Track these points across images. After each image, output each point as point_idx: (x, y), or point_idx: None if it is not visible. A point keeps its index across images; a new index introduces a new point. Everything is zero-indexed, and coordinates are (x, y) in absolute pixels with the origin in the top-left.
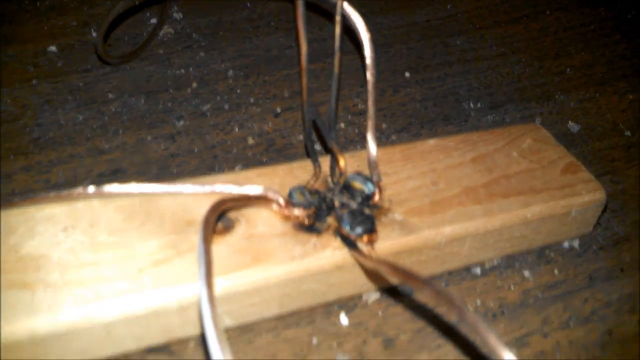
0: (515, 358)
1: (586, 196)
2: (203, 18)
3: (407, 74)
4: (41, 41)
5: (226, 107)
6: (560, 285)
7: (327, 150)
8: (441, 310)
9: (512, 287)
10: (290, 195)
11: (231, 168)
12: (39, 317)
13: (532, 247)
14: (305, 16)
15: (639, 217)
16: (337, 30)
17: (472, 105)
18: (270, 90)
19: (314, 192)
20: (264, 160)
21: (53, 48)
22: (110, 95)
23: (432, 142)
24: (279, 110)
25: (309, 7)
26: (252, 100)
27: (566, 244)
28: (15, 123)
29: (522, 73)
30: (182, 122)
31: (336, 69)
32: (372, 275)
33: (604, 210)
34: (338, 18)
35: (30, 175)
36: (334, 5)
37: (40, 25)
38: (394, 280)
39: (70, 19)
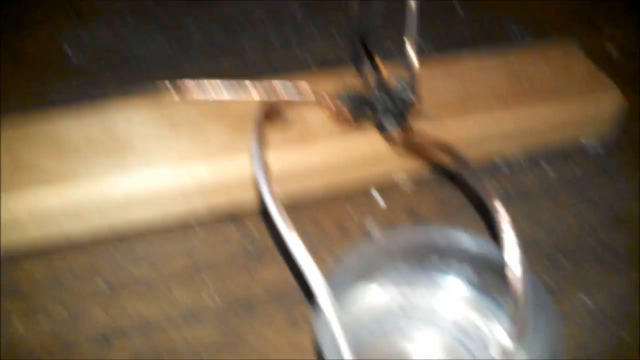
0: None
1: (606, 103)
2: None
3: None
4: None
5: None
6: (578, 179)
7: (371, 60)
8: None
9: (532, 178)
10: (339, 97)
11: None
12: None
13: (555, 143)
14: None
15: None
16: None
17: (515, 29)
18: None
19: (360, 96)
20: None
21: None
22: (192, 28)
23: (472, 57)
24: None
25: None
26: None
27: (589, 144)
28: (114, 54)
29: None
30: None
31: None
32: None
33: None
34: None
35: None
36: None
37: None
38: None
39: None
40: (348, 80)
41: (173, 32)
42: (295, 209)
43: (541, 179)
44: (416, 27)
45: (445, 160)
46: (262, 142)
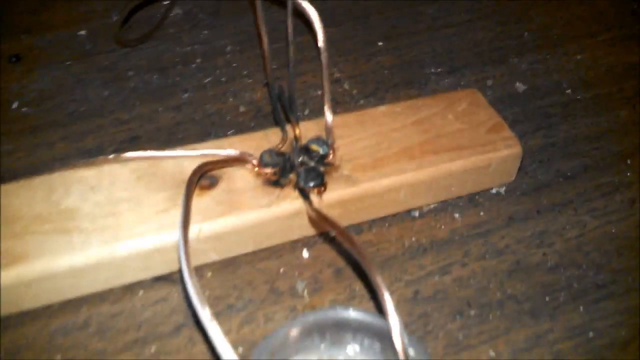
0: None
1: (504, 151)
2: None
3: (380, 43)
4: (72, 26)
5: (223, 79)
6: (483, 224)
7: (288, 120)
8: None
9: (442, 227)
10: (261, 157)
11: (225, 133)
12: (75, 255)
13: (464, 193)
14: (262, 8)
15: (561, 167)
16: (289, 22)
17: (433, 70)
18: (261, 62)
19: (280, 154)
20: (252, 125)
21: (83, 32)
22: (129, 73)
23: (382, 108)
24: (266, 80)
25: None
26: (245, 72)
27: (494, 190)
28: (54, 100)
29: (483, 38)
30: (187, 94)
31: (291, 54)
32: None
33: (531, 162)
34: (289, 11)
35: (67, 143)
36: None
37: (70, 12)
38: (326, 227)
39: (95, 4)
40: (273, 139)
41: (111, 77)
42: (228, 267)
43: (451, 228)
44: (328, 83)
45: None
46: (188, 211)
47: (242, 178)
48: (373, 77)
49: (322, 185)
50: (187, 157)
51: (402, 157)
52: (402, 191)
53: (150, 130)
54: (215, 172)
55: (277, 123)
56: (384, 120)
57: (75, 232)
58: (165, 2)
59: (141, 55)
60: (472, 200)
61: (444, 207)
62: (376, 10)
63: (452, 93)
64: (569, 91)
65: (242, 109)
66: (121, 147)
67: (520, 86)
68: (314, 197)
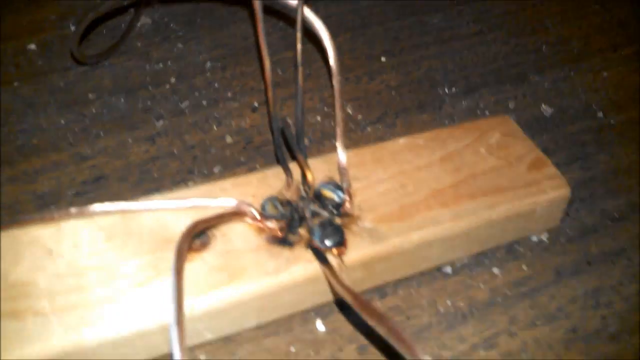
0: None
1: (551, 193)
2: (179, 5)
3: (383, 59)
4: (20, 38)
5: (204, 103)
6: (527, 281)
7: (295, 159)
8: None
9: (481, 285)
10: (263, 207)
11: (210, 170)
12: (31, 347)
13: (501, 243)
14: (265, 29)
15: (607, 206)
16: (298, 46)
17: (447, 90)
18: (247, 82)
19: (286, 203)
20: (242, 159)
21: (33, 46)
22: (90, 96)
23: (402, 141)
24: (256, 104)
25: (267, 10)
26: (229, 94)
27: (534, 238)
28: None
29: (497, 52)
30: (161, 122)
31: (300, 83)
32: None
33: (572, 201)
34: (298, 35)
35: (17, 186)
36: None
37: (18, 21)
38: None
39: (48, 12)
40: (274, 182)
41: (68, 100)
42: (227, 345)
43: (491, 286)
44: (342, 113)
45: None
46: (181, 289)
47: (240, 235)
48: (379, 99)
49: (342, 244)
50: (169, 210)
51: (433, 203)
52: (436, 246)
53: (118, 167)
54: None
55: (280, 163)
56: (406, 155)
57: (29, 315)
58: (131, 10)
59: (104, 74)
60: (511, 250)
61: (480, 260)
62: (375, 19)
63: (481, 121)
64: (600, 114)
65: (228, 139)
66: (84, 189)
67: (546, 109)
68: (332, 258)
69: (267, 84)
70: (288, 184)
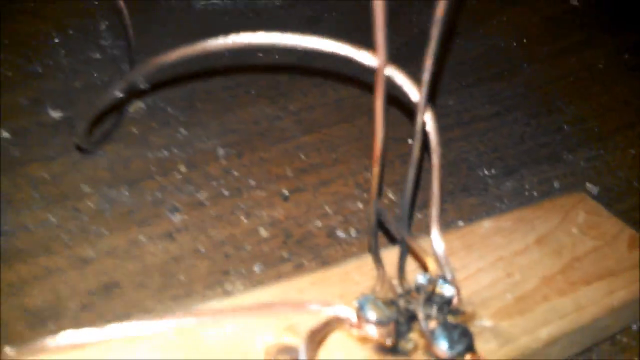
0: None
1: None
2: (173, 89)
3: (410, 141)
4: None
5: (226, 193)
6: None
7: (400, 246)
8: None
9: None
10: (361, 308)
11: (249, 269)
12: None
13: (609, 335)
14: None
15: None
16: (417, 146)
17: (486, 172)
18: (271, 169)
19: (389, 303)
20: (285, 256)
21: (6, 134)
22: (84, 188)
23: (486, 224)
24: (286, 192)
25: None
26: (252, 182)
27: (634, 326)
28: None
29: (523, 132)
30: (178, 216)
31: (411, 176)
32: None
33: None
34: (418, 136)
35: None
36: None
37: None
38: None
39: (19, 96)
40: (359, 279)
41: (56, 195)
42: None
43: None
44: (439, 191)
45: None
46: None
47: (341, 347)
48: (420, 184)
49: (473, 349)
50: (237, 325)
51: (549, 292)
52: (560, 343)
53: (132, 271)
54: (294, 341)
55: (373, 252)
56: (497, 240)
57: None
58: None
59: (97, 163)
60: (615, 342)
61: (588, 357)
62: (388, 104)
63: (559, 199)
64: None
65: (263, 233)
66: (91, 300)
67: (592, 188)
68: None
69: (376, 158)
70: (382, 280)
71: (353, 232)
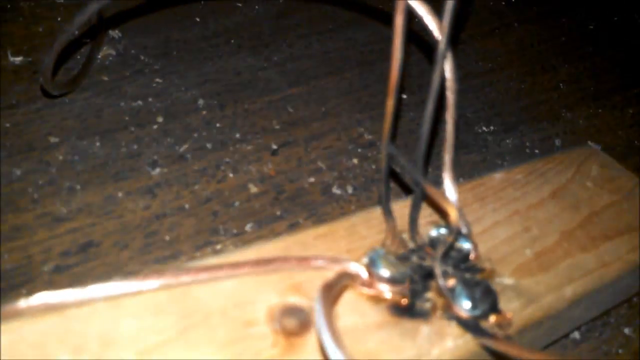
0: None
1: None
2: (147, 36)
3: (404, 96)
4: None
5: (209, 146)
6: None
7: (415, 193)
8: None
9: (620, 351)
10: (372, 264)
11: (241, 228)
12: None
13: (627, 296)
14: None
15: None
16: (437, 75)
17: (484, 128)
18: (257, 121)
19: (403, 257)
20: (279, 213)
21: None
22: (52, 139)
23: (498, 176)
24: (274, 146)
25: None
26: (237, 135)
27: None
28: None
29: (519, 89)
30: (158, 170)
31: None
32: None
33: None
34: (439, 65)
35: None
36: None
37: None
38: None
39: None
40: (366, 232)
41: (22, 146)
42: None
43: (631, 350)
44: (453, 140)
45: None
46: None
47: (352, 307)
48: (416, 139)
49: (498, 309)
50: (236, 280)
51: (570, 248)
52: (584, 302)
53: (111, 230)
54: (300, 301)
55: (384, 203)
56: (511, 193)
57: None
58: (87, 40)
59: (64, 112)
60: (632, 305)
61: (606, 320)
62: (378, 56)
63: (570, 152)
64: None
65: (253, 188)
66: (65, 262)
67: (594, 146)
68: (490, 328)
69: (391, 89)
70: (393, 233)
71: (350, 189)
